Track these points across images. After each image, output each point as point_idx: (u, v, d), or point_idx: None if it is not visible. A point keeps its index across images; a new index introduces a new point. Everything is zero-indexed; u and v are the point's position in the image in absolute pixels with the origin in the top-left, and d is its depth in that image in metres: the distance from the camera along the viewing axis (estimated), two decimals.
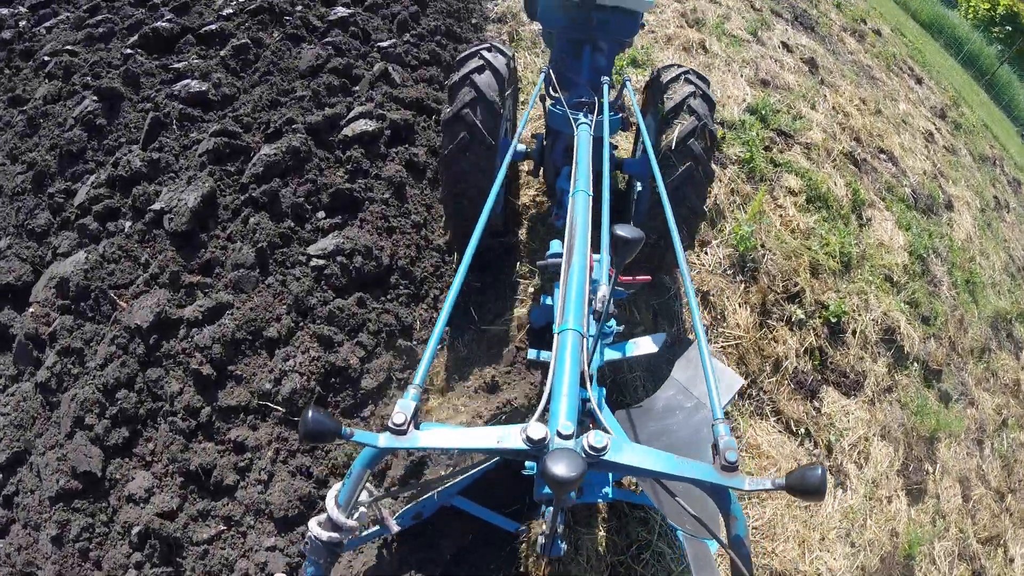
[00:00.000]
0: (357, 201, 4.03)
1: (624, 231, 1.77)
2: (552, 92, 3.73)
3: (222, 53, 4.80)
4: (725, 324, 4.71)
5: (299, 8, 5.28)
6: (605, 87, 3.58)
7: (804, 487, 1.19)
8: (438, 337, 1.67)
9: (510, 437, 1.35)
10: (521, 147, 3.95)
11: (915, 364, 5.83)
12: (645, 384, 3.99)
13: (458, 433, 1.43)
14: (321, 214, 3.99)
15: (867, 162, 7.41)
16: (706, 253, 4.95)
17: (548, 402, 1.51)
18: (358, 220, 3.95)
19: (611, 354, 2.88)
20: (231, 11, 5.22)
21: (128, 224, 3.80)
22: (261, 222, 3.73)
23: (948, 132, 10.73)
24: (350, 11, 5.23)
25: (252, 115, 4.32)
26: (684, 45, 7.00)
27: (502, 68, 3.45)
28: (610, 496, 2.32)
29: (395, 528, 1.96)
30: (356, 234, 3.85)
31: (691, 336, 4.39)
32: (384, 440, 1.35)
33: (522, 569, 2.92)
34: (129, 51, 4.88)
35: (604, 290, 2.04)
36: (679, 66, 3.69)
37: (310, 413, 1.25)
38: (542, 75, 3.82)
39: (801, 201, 5.91)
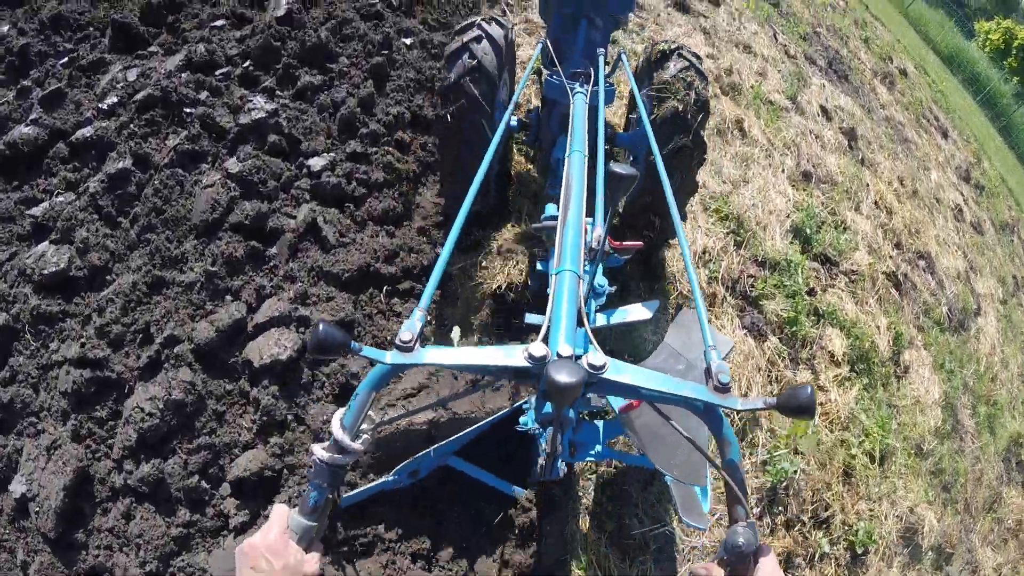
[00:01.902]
0: (272, 478, 2.63)
1: (619, 168, 1.80)
2: (548, 64, 3.60)
3: (93, 186, 3.17)
4: None
5: (205, 96, 3.47)
6: (600, 59, 3.42)
7: (793, 405, 1.12)
8: (443, 264, 1.59)
9: (512, 355, 1.29)
10: (514, 121, 3.76)
11: (930, 553, 4.94)
12: None
13: (462, 352, 1.33)
14: (226, 489, 2.60)
15: (908, 278, 6.24)
16: None
17: (547, 331, 1.42)
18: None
19: (602, 319, 2.80)
20: (115, 100, 3.49)
21: None
22: (146, 528, 2.46)
23: (973, 200, 9.96)
24: (272, 106, 3.43)
25: (123, 319, 2.84)
26: (719, 127, 5.32)
27: (500, 39, 3.23)
28: (602, 454, 2.34)
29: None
30: None
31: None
32: (391, 356, 1.26)
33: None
34: None
35: (600, 230, 2.01)
36: (672, 42, 3.49)
37: (321, 325, 1.14)
38: (538, 47, 3.65)
39: (844, 372, 4.54)
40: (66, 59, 4.04)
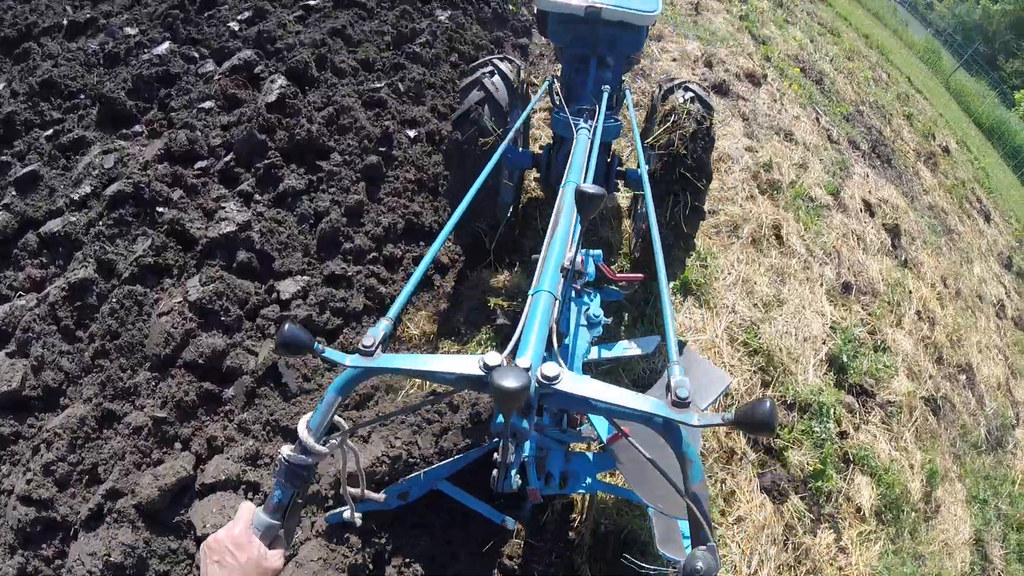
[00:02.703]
0: None
1: (588, 188, 1.75)
2: (557, 102, 3.64)
3: (54, 294, 2.77)
4: None
5: (179, 195, 3.01)
6: (604, 95, 3.40)
7: (752, 421, 1.03)
8: (419, 277, 1.58)
9: (468, 364, 1.24)
10: (527, 152, 3.77)
11: None
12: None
13: (419, 358, 1.31)
14: None
15: (947, 399, 5.47)
16: None
17: (515, 347, 1.37)
18: None
19: (600, 353, 2.76)
20: (88, 190, 3.10)
21: None
22: None
23: (1015, 290, 9.14)
24: (245, 217, 2.94)
25: (70, 457, 2.46)
26: (754, 235, 4.71)
27: (511, 74, 3.30)
28: (593, 486, 2.29)
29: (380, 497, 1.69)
30: None
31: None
32: (351, 360, 1.24)
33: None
34: None
35: (571, 252, 1.94)
36: (679, 80, 3.56)
37: (287, 325, 1.17)
38: (545, 83, 3.55)
39: (870, 528, 3.89)
40: (51, 131, 3.64)
